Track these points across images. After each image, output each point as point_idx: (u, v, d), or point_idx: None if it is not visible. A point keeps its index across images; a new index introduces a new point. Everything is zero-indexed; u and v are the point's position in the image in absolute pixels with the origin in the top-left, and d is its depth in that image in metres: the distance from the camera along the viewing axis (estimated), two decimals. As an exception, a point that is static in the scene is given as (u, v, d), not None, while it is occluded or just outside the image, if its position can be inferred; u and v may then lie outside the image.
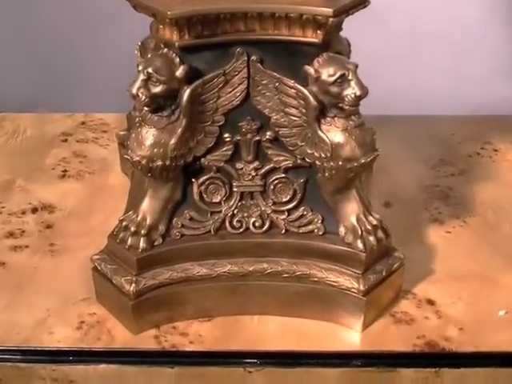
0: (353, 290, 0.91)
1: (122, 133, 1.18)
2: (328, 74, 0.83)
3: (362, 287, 0.90)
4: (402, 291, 0.99)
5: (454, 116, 1.38)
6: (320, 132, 0.86)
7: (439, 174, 1.23)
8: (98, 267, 0.94)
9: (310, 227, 0.93)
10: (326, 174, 0.88)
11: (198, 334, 0.93)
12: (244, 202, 0.92)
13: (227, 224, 0.93)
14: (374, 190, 1.15)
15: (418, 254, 1.03)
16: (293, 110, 0.87)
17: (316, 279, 0.93)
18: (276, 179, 0.92)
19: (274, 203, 0.92)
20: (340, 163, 0.86)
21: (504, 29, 1.48)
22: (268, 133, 0.89)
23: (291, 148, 0.89)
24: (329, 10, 0.80)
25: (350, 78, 0.83)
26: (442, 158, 1.28)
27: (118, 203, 1.05)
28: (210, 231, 0.92)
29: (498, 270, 1.02)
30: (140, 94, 0.83)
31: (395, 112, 1.33)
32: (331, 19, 0.80)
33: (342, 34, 0.94)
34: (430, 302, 0.98)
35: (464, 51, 1.49)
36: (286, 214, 0.93)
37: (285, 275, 0.93)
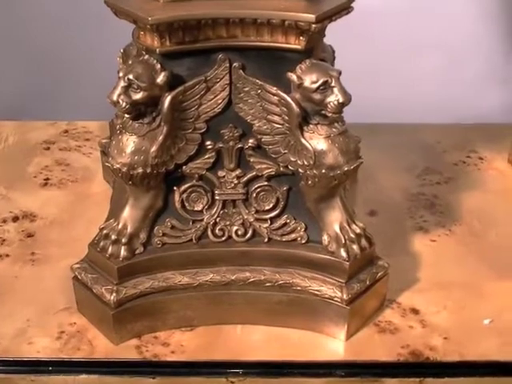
0: (336, 299, 0.90)
1: (104, 141, 1.17)
2: (311, 80, 0.82)
3: (345, 296, 0.90)
4: (387, 300, 0.98)
5: (440, 124, 1.38)
6: (303, 139, 0.85)
7: (424, 182, 1.23)
8: (79, 276, 0.93)
9: (293, 235, 0.92)
10: (309, 182, 0.87)
11: (180, 343, 0.92)
12: (226, 211, 0.92)
13: (209, 232, 0.92)
14: (359, 198, 1.16)
15: (402, 263, 1.03)
16: (275, 118, 0.86)
17: (299, 288, 0.92)
18: (259, 187, 0.91)
19: (257, 211, 0.92)
20: (323, 171, 0.86)
21: (490, 38, 1.48)
22: (250, 140, 0.88)
23: (274, 155, 0.88)
24: (311, 16, 0.79)
25: (332, 84, 0.82)
26: (427, 166, 1.27)
27: (100, 211, 1.03)
28: (191, 240, 0.92)
29: (483, 279, 1.02)
30: (120, 101, 0.82)
31: (381, 120, 1.33)
32: (314, 25, 0.79)
33: (327, 40, 0.93)
34: (415, 311, 0.97)
35: (450, 59, 1.49)
36: (269, 222, 0.92)
37: (267, 284, 0.92)
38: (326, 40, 0.92)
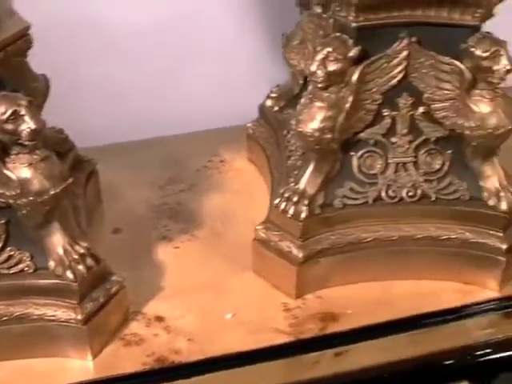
0: (72, 321, 0.90)
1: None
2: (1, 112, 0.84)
3: (79, 317, 0.90)
4: (132, 313, 0.98)
5: (182, 134, 1.35)
6: (6, 171, 0.86)
7: (168, 192, 1.22)
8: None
9: (20, 266, 0.91)
10: (23, 212, 0.88)
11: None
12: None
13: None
14: (106, 218, 1.16)
15: (147, 274, 1.04)
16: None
17: (35, 317, 0.91)
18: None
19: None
20: (31, 198, 0.86)
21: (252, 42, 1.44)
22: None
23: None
24: None
25: (22, 113, 0.83)
26: (170, 176, 1.26)
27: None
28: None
29: (226, 277, 1.04)
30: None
31: (123, 139, 1.31)
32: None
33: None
34: (159, 319, 0.97)
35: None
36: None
37: (4, 318, 0.91)
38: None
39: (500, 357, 0.98)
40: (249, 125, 1.25)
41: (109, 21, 1.29)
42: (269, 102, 1.21)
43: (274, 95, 1.20)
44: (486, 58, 0.91)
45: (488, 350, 0.98)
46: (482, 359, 0.98)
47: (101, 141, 1.25)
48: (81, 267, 0.89)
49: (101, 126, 1.27)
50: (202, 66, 1.39)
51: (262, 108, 1.23)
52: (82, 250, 0.90)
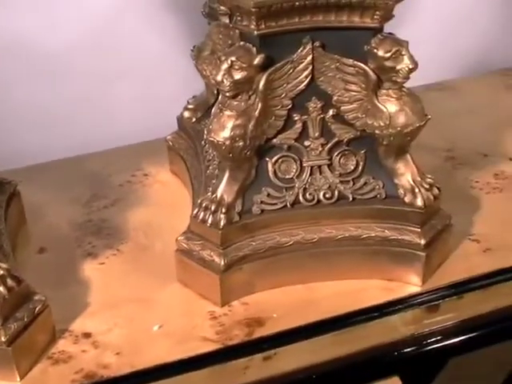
0: None
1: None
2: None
3: (3, 338, 0.89)
4: (59, 331, 0.97)
5: (105, 151, 1.36)
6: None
7: (92, 209, 1.22)
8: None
9: None
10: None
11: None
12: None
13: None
14: (31, 238, 1.15)
15: (74, 292, 1.04)
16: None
17: None
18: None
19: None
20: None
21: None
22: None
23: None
24: None
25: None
26: (94, 193, 1.26)
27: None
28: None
29: (152, 289, 1.04)
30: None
31: (46, 159, 1.32)
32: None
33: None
34: (87, 335, 0.97)
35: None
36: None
37: None
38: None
39: (426, 350, 1.01)
40: (168, 137, 1.27)
41: (31, 43, 1.30)
42: (186, 114, 1.22)
43: (190, 106, 1.22)
44: (388, 59, 0.93)
45: (414, 345, 1.01)
46: (409, 354, 1.01)
47: (23, 162, 1.26)
48: (1, 289, 0.89)
49: (22, 148, 1.29)
50: (125, 83, 1.42)
51: (180, 120, 1.25)
52: (1, 272, 0.90)
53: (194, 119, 1.20)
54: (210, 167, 1.08)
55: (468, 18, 1.63)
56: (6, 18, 1.29)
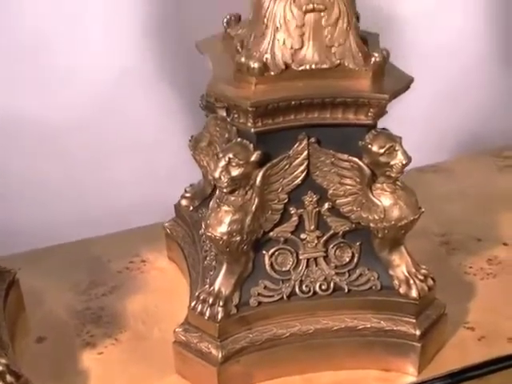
0: None
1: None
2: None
3: None
4: None
5: (103, 236, 1.36)
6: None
7: (90, 296, 1.21)
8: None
9: None
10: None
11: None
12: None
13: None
14: (29, 327, 1.14)
15: (72, 383, 1.03)
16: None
17: None
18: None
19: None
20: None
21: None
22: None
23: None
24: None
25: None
26: (93, 279, 1.25)
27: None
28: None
29: (150, 381, 1.03)
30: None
31: (45, 244, 1.32)
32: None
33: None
34: None
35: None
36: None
37: None
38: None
39: None
40: (166, 224, 1.27)
41: (30, 119, 1.33)
42: (184, 202, 1.23)
43: (188, 195, 1.23)
44: (382, 154, 0.95)
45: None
46: None
47: (22, 247, 1.26)
48: None
49: (20, 233, 1.31)
50: (125, 165, 1.45)
51: (178, 207, 1.26)
52: (0, 368, 0.90)
53: (191, 207, 1.21)
54: (208, 258, 1.09)
55: (453, 100, 1.67)
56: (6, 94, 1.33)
